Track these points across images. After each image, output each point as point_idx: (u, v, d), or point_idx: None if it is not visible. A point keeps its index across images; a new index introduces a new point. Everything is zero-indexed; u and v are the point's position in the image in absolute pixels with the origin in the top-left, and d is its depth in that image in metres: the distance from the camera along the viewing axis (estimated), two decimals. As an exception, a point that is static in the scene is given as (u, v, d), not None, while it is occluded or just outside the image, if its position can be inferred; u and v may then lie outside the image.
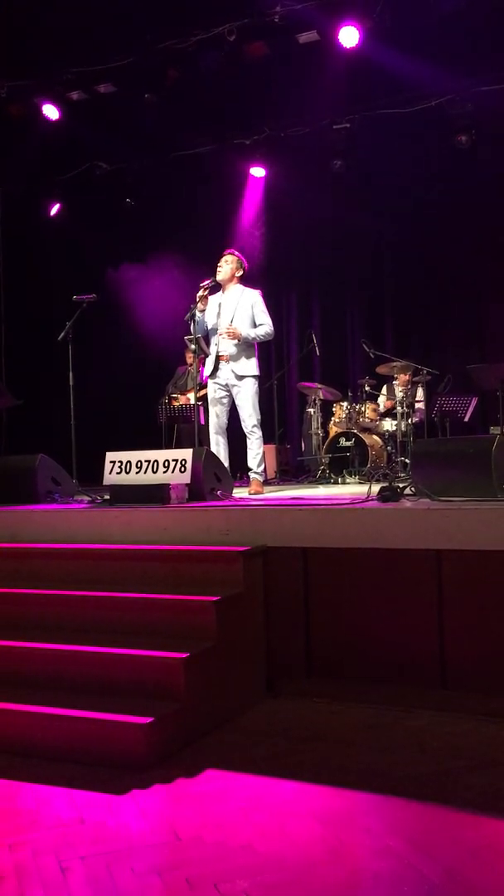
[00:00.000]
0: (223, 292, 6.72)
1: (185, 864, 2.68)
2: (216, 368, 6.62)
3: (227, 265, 6.70)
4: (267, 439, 9.24)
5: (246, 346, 6.57)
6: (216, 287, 6.73)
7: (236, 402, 6.64)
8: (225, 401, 6.67)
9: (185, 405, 8.56)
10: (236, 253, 6.82)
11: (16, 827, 3.02)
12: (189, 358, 8.85)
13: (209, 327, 6.65)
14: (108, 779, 3.36)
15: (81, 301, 7.15)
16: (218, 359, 6.60)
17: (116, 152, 10.04)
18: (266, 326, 6.61)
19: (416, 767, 3.38)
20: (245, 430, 6.66)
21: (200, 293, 6.60)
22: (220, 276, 6.68)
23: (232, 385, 6.60)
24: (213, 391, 6.67)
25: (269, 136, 9.65)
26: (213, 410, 6.68)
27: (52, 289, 10.15)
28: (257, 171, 10.28)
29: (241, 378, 6.57)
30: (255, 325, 6.60)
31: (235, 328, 6.49)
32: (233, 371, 6.56)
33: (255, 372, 6.63)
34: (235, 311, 6.58)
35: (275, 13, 7.87)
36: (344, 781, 3.26)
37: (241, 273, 6.75)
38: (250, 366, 6.60)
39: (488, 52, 8.06)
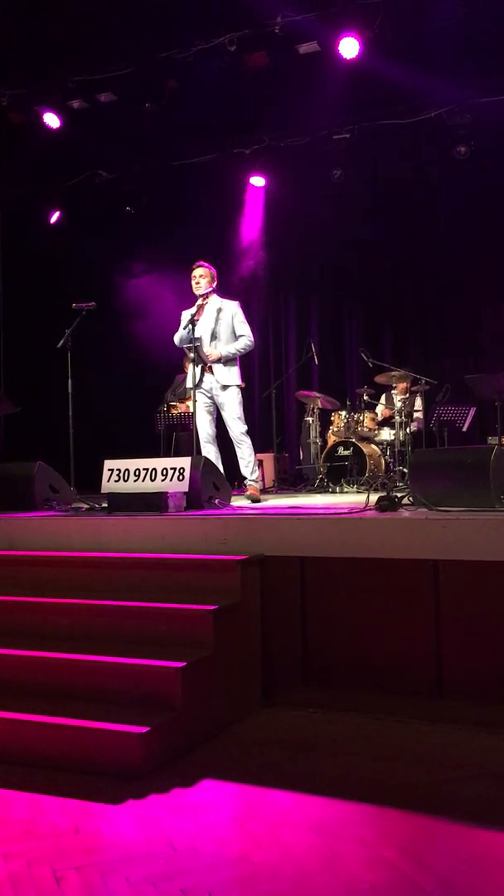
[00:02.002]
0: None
1: (180, 875, 2.68)
2: (201, 378, 6.67)
3: (204, 279, 6.75)
4: (265, 448, 9.27)
5: (228, 357, 6.66)
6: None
7: (221, 412, 6.74)
8: (210, 409, 6.75)
9: (184, 413, 8.56)
10: (206, 264, 6.86)
11: (10, 836, 3.01)
12: (188, 366, 8.85)
13: (191, 336, 6.67)
14: (104, 788, 3.35)
15: (80, 309, 7.16)
16: (203, 369, 6.66)
17: (117, 161, 10.08)
18: (245, 339, 6.71)
19: (411, 777, 3.38)
20: (234, 439, 6.71)
21: (200, 301, 6.68)
22: (199, 292, 6.72)
23: (216, 395, 6.68)
24: (198, 400, 6.70)
25: (269, 145, 9.69)
26: (199, 420, 6.71)
27: (51, 296, 10.15)
28: (257, 181, 10.32)
29: (225, 388, 6.66)
30: (235, 336, 6.67)
31: (214, 353, 6.58)
32: (217, 381, 6.65)
33: (238, 381, 6.75)
34: (216, 323, 6.66)
35: (275, 24, 7.91)
36: (339, 791, 3.26)
37: (215, 283, 6.81)
38: (233, 375, 6.70)
39: (487, 63, 8.09)
